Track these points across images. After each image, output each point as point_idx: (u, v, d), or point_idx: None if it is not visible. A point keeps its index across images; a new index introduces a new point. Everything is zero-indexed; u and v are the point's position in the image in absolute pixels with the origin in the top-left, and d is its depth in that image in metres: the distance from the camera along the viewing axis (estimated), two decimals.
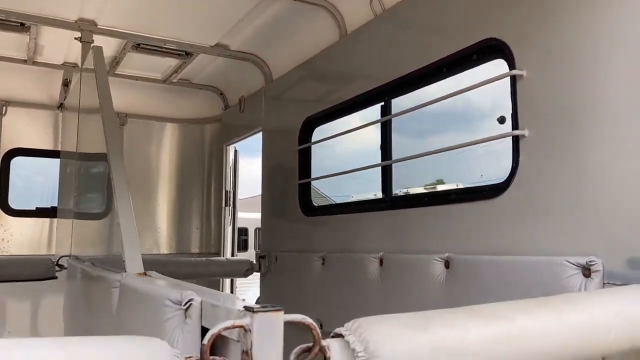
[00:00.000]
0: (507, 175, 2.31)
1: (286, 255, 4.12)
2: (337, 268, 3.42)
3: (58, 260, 3.81)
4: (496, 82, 2.38)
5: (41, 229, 5.31)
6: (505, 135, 2.30)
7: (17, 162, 5.22)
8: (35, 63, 4.65)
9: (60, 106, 5.29)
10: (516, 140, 2.26)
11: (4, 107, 5.11)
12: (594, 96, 1.98)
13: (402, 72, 2.93)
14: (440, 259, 2.53)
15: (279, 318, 0.98)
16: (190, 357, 0.92)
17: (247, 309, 0.98)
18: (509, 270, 2.14)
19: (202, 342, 0.93)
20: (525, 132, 2.21)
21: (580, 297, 1.47)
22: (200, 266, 4.65)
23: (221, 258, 5.39)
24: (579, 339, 1.23)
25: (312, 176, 3.96)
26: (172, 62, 4.67)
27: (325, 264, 3.54)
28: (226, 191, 5.65)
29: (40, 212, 5.27)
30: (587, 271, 1.88)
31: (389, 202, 3.17)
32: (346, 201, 3.69)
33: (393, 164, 3.18)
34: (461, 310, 1.18)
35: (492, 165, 2.73)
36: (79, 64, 4.45)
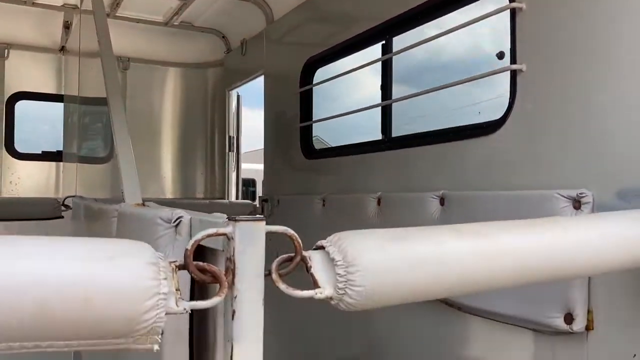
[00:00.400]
0: (504, 111, 2.30)
1: (288, 198, 4.17)
2: (337, 209, 3.46)
3: (64, 200, 3.89)
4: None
5: (48, 172, 5.39)
6: (502, 69, 2.29)
7: (21, 106, 5.25)
8: (35, 4, 4.60)
9: (62, 49, 5.26)
10: (514, 75, 2.24)
11: (6, 50, 5.10)
12: (594, 31, 1.95)
13: (403, 8, 2.88)
14: (435, 197, 2.56)
15: (261, 227, 1.01)
16: (174, 261, 0.96)
17: (230, 218, 1.01)
18: (502, 205, 2.17)
19: (186, 248, 0.97)
20: (523, 67, 2.19)
21: (564, 219, 1.49)
22: (203, 208, 4.71)
23: (224, 201, 5.46)
24: (559, 258, 1.26)
25: (313, 122, 3.96)
26: (172, 3, 4.61)
27: (326, 205, 3.59)
28: (229, 137, 5.66)
29: (46, 156, 5.33)
30: (577, 203, 1.90)
31: (388, 142, 3.18)
32: (346, 143, 3.70)
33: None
34: (442, 227, 1.21)
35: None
36: (79, 5, 4.40)
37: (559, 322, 1.92)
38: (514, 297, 2.08)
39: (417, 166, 2.85)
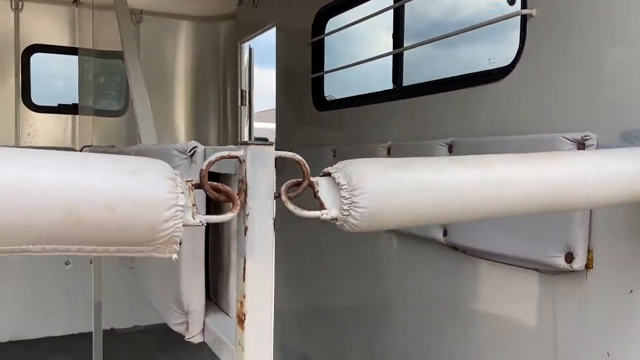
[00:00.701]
0: (514, 57, 2.32)
1: (300, 150, 4.20)
2: (348, 159, 3.51)
3: (82, 150, 3.99)
4: None
5: (64, 124, 5.50)
6: (512, 15, 2.29)
7: (37, 59, 5.31)
8: None
9: (75, 1, 5.28)
10: (524, 21, 2.25)
11: (21, 2, 5.12)
12: None
13: None
14: (444, 144, 2.60)
15: (270, 151, 1.09)
16: (190, 180, 1.03)
17: (242, 143, 1.08)
18: (508, 149, 2.18)
19: (201, 168, 1.04)
20: (533, 12, 2.19)
21: (564, 153, 1.54)
22: None
23: None
24: (554, 189, 1.31)
25: (325, 73, 3.98)
26: None
27: (336, 156, 3.64)
28: (242, 90, 5.70)
29: (62, 109, 5.42)
30: (581, 146, 1.93)
31: (399, 92, 3.20)
32: (358, 94, 3.72)
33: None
34: (444, 157, 1.27)
35: None
36: None
37: (560, 261, 1.99)
38: (517, 238, 2.15)
39: (428, 114, 2.89)
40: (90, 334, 4.36)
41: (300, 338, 4.15)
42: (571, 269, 1.97)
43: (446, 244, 2.56)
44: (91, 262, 4.71)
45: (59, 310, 5.27)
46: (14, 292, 5.14)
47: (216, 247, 1.42)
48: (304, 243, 4.01)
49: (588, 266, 1.96)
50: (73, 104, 5.37)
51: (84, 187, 0.87)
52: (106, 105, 5.39)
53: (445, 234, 2.54)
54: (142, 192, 0.90)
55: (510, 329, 2.34)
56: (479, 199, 1.23)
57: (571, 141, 1.95)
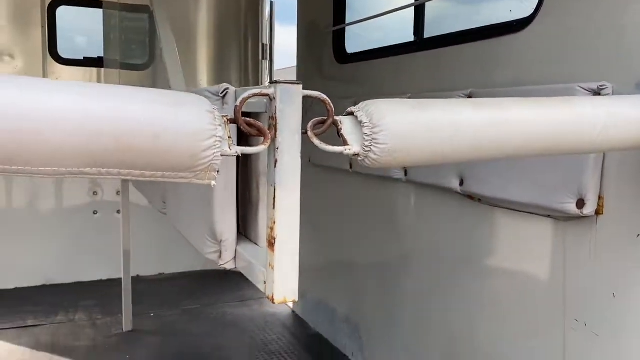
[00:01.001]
0: (534, 8, 2.34)
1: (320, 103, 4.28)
2: None
3: None
4: None
5: (90, 78, 5.62)
6: None
7: (62, 12, 5.39)
8: None
9: None
10: None
11: None
12: None
13: None
14: (463, 95, 2.65)
15: (299, 90, 1.17)
16: (225, 115, 1.13)
17: (272, 82, 1.17)
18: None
19: (235, 104, 1.13)
20: None
21: (576, 97, 1.60)
22: None
23: None
24: (563, 130, 1.38)
25: (346, 25, 3.99)
26: None
27: None
28: (263, 44, 5.73)
29: (88, 62, 5.53)
30: (597, 95, 1.98)
31: (420, 43, 3.23)
32: (379, 47, 3.75)
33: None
34: (461, 99, 1.34)
35: None
36: None
37: (571, 207, 2.07)
38: (531, 185, 2.22)
39: (448, 66, 2.92)
40: (117, 279, 4.59)
41: (319, 287, 4.33)
42: (582, 215, 2.05)
43: (462, 193, 2.65)
44: (119, 212, 4.91)
45: (88, 257, 5.53)
46: (47, 240, 5.39)
47: (245, 183, 1.53)
48: (321, 194, 4.13)
49: (598, 212, 2.04)
50: (98, 57, 5.46)
51: (133, 116, 0.97)
52: (132, 59, 5.47)
53: (461, 183, 2.63)
54: (185, 122, 1.00)
55: (522, 273, 2.45)
56: (492, 139, 1.31)
57: (587, 90, 2.00)
